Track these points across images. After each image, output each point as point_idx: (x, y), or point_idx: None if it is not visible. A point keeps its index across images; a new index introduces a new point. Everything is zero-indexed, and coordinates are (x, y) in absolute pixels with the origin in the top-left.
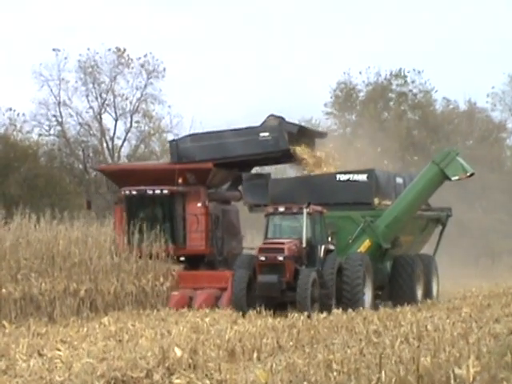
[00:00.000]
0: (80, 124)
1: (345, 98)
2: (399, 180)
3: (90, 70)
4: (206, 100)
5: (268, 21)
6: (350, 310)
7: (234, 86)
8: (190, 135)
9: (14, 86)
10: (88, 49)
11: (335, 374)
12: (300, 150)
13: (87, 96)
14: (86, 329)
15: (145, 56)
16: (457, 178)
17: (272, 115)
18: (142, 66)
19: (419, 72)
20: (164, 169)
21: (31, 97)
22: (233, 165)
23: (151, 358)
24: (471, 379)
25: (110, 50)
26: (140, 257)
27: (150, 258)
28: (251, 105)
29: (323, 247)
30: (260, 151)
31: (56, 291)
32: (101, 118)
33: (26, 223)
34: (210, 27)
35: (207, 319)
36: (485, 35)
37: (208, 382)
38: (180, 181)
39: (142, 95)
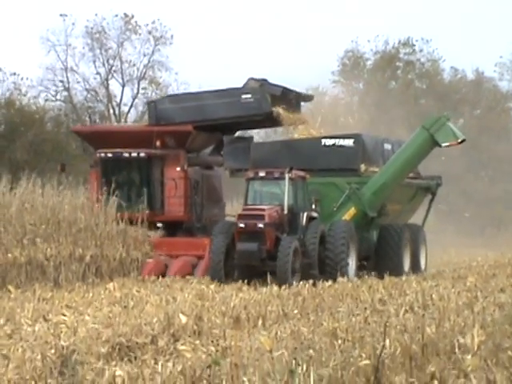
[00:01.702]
0: (87, 90)
1: (352, 66)
2: (387, 146)
3: (98, 35)
4: (213, 67)
5: None
6: (355, 279)
7: (241, 54)
8: (169, 96)
9: (21, 51)
10: (95, 14)
11: (340, 341)
12: (283, 113)
13: (94, 62)
14: (91, 294)
15: (152, 23)
16: (447, 144)
17: (252, 78)
18: (150, 32)
19: (427, 41)
20: (141, 131)
21: (38, 62)
22: (214, 128)
23: (156, 324)
24: (476, 348)
25: (117, 15)
26: (118, 222)
27: (131, 223)
28: (258, 73)
29: (306, 214)
30: (242, 114)
31: (61, 256)
32: (108, 84)
33: (32, 188)
34: None
35: (212, 286)
36: (493, 4)
37: (213, 348)
38: (158, 144)
39: (149, 62)
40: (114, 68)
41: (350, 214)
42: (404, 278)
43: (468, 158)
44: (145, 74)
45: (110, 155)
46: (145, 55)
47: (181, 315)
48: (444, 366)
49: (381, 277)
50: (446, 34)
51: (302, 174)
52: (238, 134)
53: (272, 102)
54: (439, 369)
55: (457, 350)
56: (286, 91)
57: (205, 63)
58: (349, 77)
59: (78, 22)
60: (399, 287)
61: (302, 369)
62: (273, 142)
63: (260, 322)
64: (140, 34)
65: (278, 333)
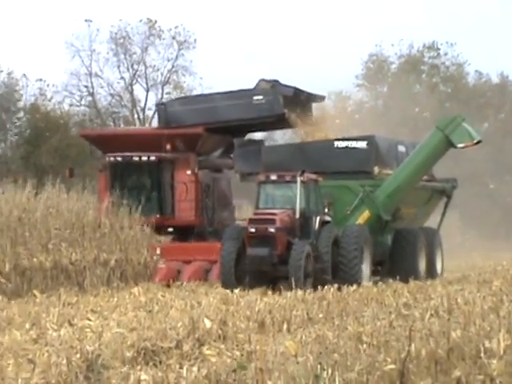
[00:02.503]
0: (111, 95)
1: (376, 70)
2: (401, 148)
3: (122, 41)
4: (237, 71)
5: None
6: (380, 283)
7: (265, 58)
8: (180, 98)
9: (46, 57)
10: (120, 20)
11: (365, 346)
12: (295, 115)
13: (118, 67)
14: (116, 299)
15: (176, 27)
16: (462, 145)
17: (263, 79)
18: (173, 37)
19: (452, 45)
20: (151, 134)
21: (63, 67)
22: (225, 130)
23: (181, 328)
24: (502, 352)
25: (141, 21)
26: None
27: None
28: (283, 77)
29: (318, 218)
30: (253, 115)
31: (86, 261)
32: (132, 88)
33: (57, 193)
34: None
35: (237, 290)
36: None
37: (238, 353)
38: (168, 147)
39: (173, 66)
40: (138, 73)
41: (363, 217)
42: (429, 282)
43: (493, 161)
44: (169, 78)
45: (119, 159)
46: (169, 60)
47: (205, 320)
48: (469, 370)
49: (405, 281)
50: (470, 38)
51: (314, 177)
52: (248, 136)
53: (284, 103)
54: (465, 373)
55: (482, 354)
56: (297, 92)
57: (229, 67)
58: (373, 80)
59: (102, 28)
60: (424, 291)
61: (327, 373)
62: (284, 144)
63: (285, 326)
64: (164, 39)
65: (303, 337)
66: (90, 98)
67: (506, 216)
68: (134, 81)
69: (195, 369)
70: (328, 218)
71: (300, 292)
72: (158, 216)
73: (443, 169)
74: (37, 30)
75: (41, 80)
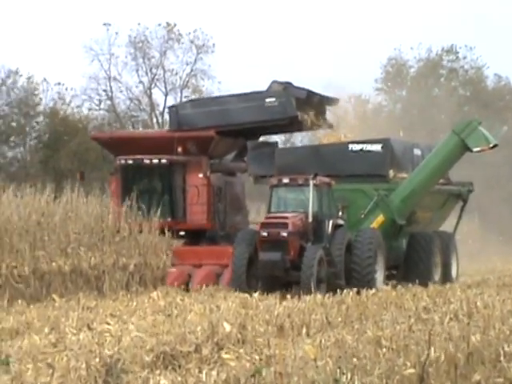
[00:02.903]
0: (130, 99)
1: (395, 73)
2: (417, 151)
3: (140, 45)
4: (256, 75)
5: None
6: (399, 287)
7: (284, 62)
8: (191, 100)
9: (65, 61)
10: (138, 24)
11: (384, 350)
12: (309, 117)
13: (137, 71)
14: (135, 303)
15: (194, 31)
16: (478, 149)
17: (276, 81)
18: (192, 41)
19: (471, 48)
20: (163, 137)
21: (82, 71)
22: (237, 133)
23: (200, 332)
24: None
25: (160, 25)
26: (141, 231)
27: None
28: (302, 81)
29: (331, 222)
30: (266, 118)
31: (105, 265)
32: (151, 92)
33: (76, 197)
34: (260, 2)
35: (256, 294)
36: None
37: (257, 357)
38: (180, 150)
39: (191, 70)
40: (156, 77)
41: (378, 221)
42: (448, 285)
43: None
44: (187, 82)
45: (130, 162)
46: (187, 64)
47: (225, 324)
48: (489, 374)
49: (424, 285)
50: (489, 42)
51: (327, 180)
52: (261, 139)
53: (297, 105)
54: (484, 377)
55: (502, 358)
56: (310, 94)
57: (247, 71)
58: (392, 84)
59: (121, 32)
60: (443, 295)
61: (347, 377)
62: (298, 147)
63: (304, 330)
64: (182, 43)
65: (322, 341)
66: (108, 102)
67: None
68: (153, 85)
69: (214, 373)
70: (341, 222)
71: (319, 296)
72: (169, 219)
73: (461, 173)
74: (56, 35)
75: (60, 84)
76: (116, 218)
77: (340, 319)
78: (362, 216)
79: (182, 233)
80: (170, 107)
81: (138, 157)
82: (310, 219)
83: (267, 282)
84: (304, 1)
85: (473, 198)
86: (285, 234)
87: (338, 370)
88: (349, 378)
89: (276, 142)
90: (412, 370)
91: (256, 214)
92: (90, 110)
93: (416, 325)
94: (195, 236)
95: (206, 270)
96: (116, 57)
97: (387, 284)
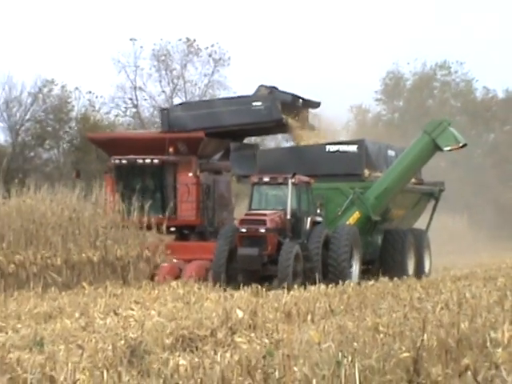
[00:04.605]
0: (153, 106)
1: (393, 86)
2: (391, 152)
3: (163, 58)
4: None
5: (325, 11)
6: (395, 279)
7: (292, 74)
8: (182, 104)
9: (96, 72)
10: (161, 39)
11: (382, 335)
12: (293, 120)
13: (160, 81)
14: (157, 291)
15: (212, 46)
16: (449, 148)
17: (263, 85)
18: (210, 55)
19: (462, 63)
20: (154, 138)
21: (110, 81)
22: (225, 135)
23: (215, 318)
24: (506, 342)
25: (180, 40)
26: (141, 227)
27: (147, 228)
28: (310, 92)
29: (310, 219)
30: (252, 121)
31: (130, 257)
32: (172, 101)
33: (103, 195)
34: (271, 17)
35: (266, 284)
36: None
37: (267, 340)
38: (171, 150)
39: (209, 81)
40: (177, 87)
41: (354, 218)
42: (440, 278)
43: (499, 169)
44: (205, 92)
45: (124, 161)
46: (205, 75)
47: (237, 310)
48: (477, 358)
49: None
50: (479, 57)
51: (306, 179)
52: (244, 140)
53: (282, 109)
54: (472, 361)
55: (488, 344)
56: (295, 98)
57: (259, 82)
58: (390, 95)
59: (145, 46)
60: (435, 287)
61: (348, 360)
62: (278, 148)
63: (309, 317)
64: (201, 56)
65: (326, 327)
66: (134, 110)
67: (510, 219)
68: (174, 94)
69: (228, 355)
70: (319, 219)
71: (323, 286)
72: (161, 216)
73: (451, 176)
74: (88, 48)
75: (90, 93)
76: (111, 214)
77: (342, 307)
78: (339, 213)
79: (172, 228)
80: (162, 110)
81: (132, 157)
82: (289, 216)
83: (247, 276)
84: (313, 22)
85: (462, 198)
86: (263, 231)
87: (340, 353)
88: (349, 360)
89: (257, 144)
90: (407, 354)
91: (244, 210)
92: (116, 116)
93: (410, 313)
94: (185, 232)
95: (196, 264)
96: (141, 68)
97: (362, 278)
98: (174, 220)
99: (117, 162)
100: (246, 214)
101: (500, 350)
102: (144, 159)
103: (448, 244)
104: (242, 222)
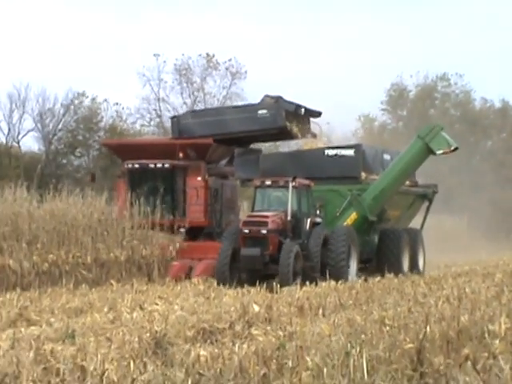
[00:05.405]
0: None
1: (397, 96)
2: (387, 156)
3: (184, 72)
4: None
5: (337, 25)
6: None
7: (308, 87)
8: (191, 111)
9: (122, 85)
10: (183, 54)
11: (388, 328)
12: (295, 127)
13: (181, 93)
14: (179, 287)
15: (229, 60)
16: (441, 151)
17: (267, 95)
18: (227, 68)
19: (461, 75)
20: (165, 144)
21: (136, 93)
22: (232, 141)
23: (233, 312)
24: (503, 334)
25: (200, 55)
26: (152, 228)
27: (152, 229)
28: (322, 105)
29: (309, 220)
30: (258, 128)
31: (154, 256)
32: None
33: (130, 199)
34: (285, 33)
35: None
36: None
37: (281, 333)
38: (181, 155)
39: (227, 93)
40: (198, 99)
41: (351, 218)
42: (441, 274)
43: (496, 173)
44: (224, 104)
45: (136, 166)
46: (223, 88)
47: (254, 305)
48: (476, 348)
49: (419, 273)
50: (477, 69)
51: (306, 182)
52: (250, 146)
53: (286, 117)
54: (472, 351)
55: (487, 335)
56: (298, 107)
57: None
58: (394, 105)
59: (168, 61)
60: (438, 282)
61: (356, 351)
62: (280, 152)
63: (320, 311)
64: (219, 70)
65: (336, 320)
66: (158, 120)
67: (506, 219)
68: (195, 105)
69: (245, 346)
70: (319, 220)
71: (333, 282)
72: (171, 218)
73: (452, 179)
74: (115, 63)
75: (117, 104)
76: (123, 216)
77: (351, 302)
78: (338, 214)
79: (182, 230)
80: (172, 117)
81: (144, 161)
82: (289, 217)
83: (249, 275)
84: (328, 41)
85: (462, 201)
86: (264, 232)
87: (349, 344)
88: (358, 351)
89: (261, 149)
90: (411, 345)
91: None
92: (142, 126)
93: (414, 307)
94: (194, 233)
95: (206, 264)
96: (164, 82)
97: (360, 276)
98: (183, 221)
99: (129, 166)
100: (249, 216)
101: (497, 341)
102: (155, 164)
103: (449, 243)
104: (245, 223)
